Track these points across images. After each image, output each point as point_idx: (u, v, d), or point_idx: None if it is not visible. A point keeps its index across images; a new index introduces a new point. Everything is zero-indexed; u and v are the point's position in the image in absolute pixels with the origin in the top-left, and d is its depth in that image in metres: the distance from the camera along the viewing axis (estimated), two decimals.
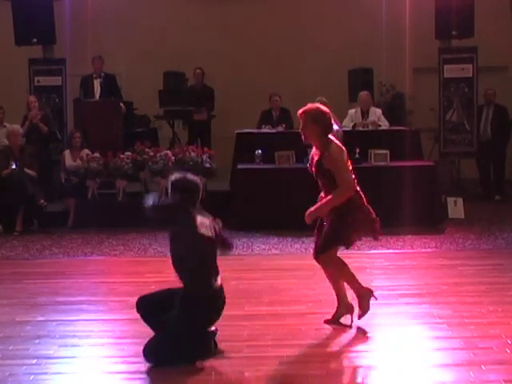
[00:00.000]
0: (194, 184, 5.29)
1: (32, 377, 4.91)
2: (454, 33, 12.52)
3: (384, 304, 6.40)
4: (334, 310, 5.95)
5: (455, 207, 10.93)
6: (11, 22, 12.55)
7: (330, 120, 5.80)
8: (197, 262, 5.13)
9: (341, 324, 5.86)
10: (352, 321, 5.82)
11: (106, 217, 10.65)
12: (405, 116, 13.91)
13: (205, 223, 5.22)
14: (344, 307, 5.91)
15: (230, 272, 7.61)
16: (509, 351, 5.23)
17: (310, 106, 5.83)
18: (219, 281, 5.24)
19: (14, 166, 10.64)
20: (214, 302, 5.17)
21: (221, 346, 5.36)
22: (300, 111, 5.80)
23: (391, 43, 13.37)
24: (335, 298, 5.99)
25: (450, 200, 10.98)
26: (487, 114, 12.93)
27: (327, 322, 5.89)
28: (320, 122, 5.73)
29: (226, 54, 14.32)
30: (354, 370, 4.98)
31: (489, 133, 12.87)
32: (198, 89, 13.72)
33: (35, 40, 12.57)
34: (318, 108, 5.82)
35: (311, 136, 5.77)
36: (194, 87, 13.82)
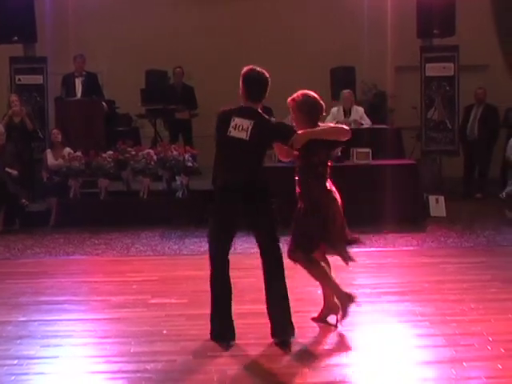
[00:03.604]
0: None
1: (13, 377, 4.88)
2: (435, 31, 12.56)
3: (366, 302, 6.42)
4: (317, 309, 5.96)
5: (437, 205, 10.98)
6: None
7: (317, 108, 5.68)
8: None
9: (327, 323, 5.87)
10: (337, 320, 5.82)
11: (89, 216, 10.63)
12: (386, 114, 13.95)
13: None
14: (328, 307, 5.91)
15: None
16: (490, 348, 5.27)
17: (298, 93, 5.74)
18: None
19: None
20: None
21: (203, 345, 5.37)
22: (289, 98, 5.75)
23: (373, 42, 13.40)
24: (321, 296, 5.99)
25: (432, 198, 11.03)
26: (476, 114, 13.01)
27: (314, 319, 5.90)
28: (305, 110, 5.64)
29: (208, 53, 14.29)
30: (337, 367, 4.98)
31: (475, 132, 12.95)
32: (177, 87, 13.70)
33: (16, 38, 12.48)
34: (306, 95, 5.72)
35: (298, 124, 5.70)
36: (174, 86, 13.80)
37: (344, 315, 5.73)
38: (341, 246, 5.79)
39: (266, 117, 5.48)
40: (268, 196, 5.37)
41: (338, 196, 5.80)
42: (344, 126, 5.81)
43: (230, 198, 5.36)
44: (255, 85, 5.45)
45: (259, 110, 5.47)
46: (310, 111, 5.65)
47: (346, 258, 5.82)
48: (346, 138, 5.63)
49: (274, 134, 5.44)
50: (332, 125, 5.71)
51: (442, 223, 10.35)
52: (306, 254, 5.70)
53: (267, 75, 5.49)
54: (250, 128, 5.30)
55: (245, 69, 5.52)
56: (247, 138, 5.29)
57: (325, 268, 5.81)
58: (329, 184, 5.78)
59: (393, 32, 13.08)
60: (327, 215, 5.64)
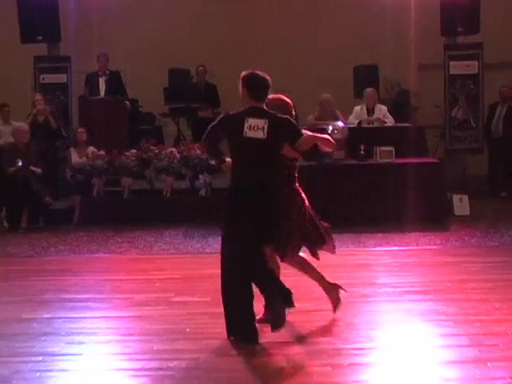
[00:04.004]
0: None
1: (38, 374, 4.92)
2: (459, 29, 12.48)
3: (389, 301, 6.40)
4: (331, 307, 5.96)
5: (461, 204, 10.92)
6: (16, 19, 12.57)
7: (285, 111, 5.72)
8: None
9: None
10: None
11: (112, 214, 10.68)
12: (410, 113, 13.88)
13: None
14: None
15: None
16: None
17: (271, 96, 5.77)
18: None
19: (19, 164, 10.66)
20: None
21: (226, 343, 5.39)
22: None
23: (396, 40, 13.34)
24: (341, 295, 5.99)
25: (456, 197, 10.97)
26: (500, 112, 12.93)
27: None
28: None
29: (231, 51, 14.30)
30: (359, 366, 4.97)
31: (500, 130, 12.87)
32: (201, 86, 13.72)
33: (40, 37, 12.58)
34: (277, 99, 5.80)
35: None
36: (197, 84, 13.82)
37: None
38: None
39: (278, 114, 5.50)
40: (278, 196, 5.43)
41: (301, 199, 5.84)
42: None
43: (247, 198, 5.36)
44: (260, 86, 5.48)
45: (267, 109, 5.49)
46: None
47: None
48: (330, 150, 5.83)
49: (286, 134, 5.44)
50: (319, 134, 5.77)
51: (465, 222, 10.28)
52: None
53: (268, 77, 5.55)
54: (266, 127, 5.32)
55: (245, 72, 5.58)
56: (265, 137, 5.31)
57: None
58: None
59: (416, 30, 13.03)
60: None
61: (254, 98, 5.45)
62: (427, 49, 13.19)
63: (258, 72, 5.56)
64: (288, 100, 5.88)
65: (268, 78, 5.55)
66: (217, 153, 5.66)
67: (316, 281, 6.00)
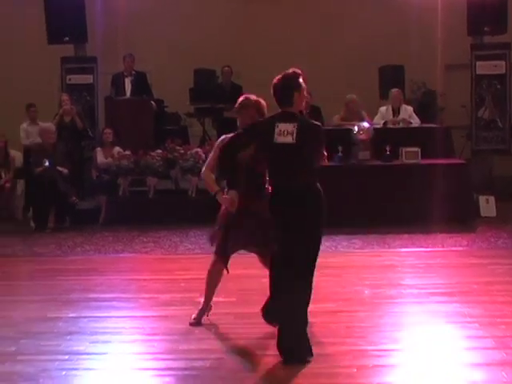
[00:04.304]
0: None
1: (64, 372, 4.96)
2: (486, 29, 12.39)
3: (414, 302, 6.37)
4: (363, 308, 5.94)
5: (487, 205, 10.85)
6: (44, 20, 12.68)
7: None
8: None
9: None
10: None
11: (137, 214, 10.73)
12: (436, 113, 13.80)
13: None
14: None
15: (260, 270, 7.61)
16: None
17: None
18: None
19: (46, 164, 10.74)
20: None
21: (251, 343, 5.39)
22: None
23: (423, 40, 13.27)
24: (368, 295, 5.97)
25: (482, 198, 10.89)
26: None
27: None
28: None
29: (256, 52, 14.31)
30: (384, 367, 4.95)
31: None
32: (226, 87, 13.74)
33: (67, 38, 12.68)
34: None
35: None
36: (223, 85, 13.83)
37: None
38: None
39: (308, 120, 5.45)
40: (317, 200, 5.26)
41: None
42: None
43: (281, 201, 5.33)
44: (281, 91, 5.35)
45: (298, 113, 5.39)
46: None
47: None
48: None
49: (312, 138, 5.33)
50: None
51: (492, 223, 10.20)
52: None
53: (288, 79, 5.35)
54: (295, 131, 5.27)
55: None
56: (294, 141, 5.26)
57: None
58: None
59: (443, 30, 12.94)
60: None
61: (278, 103, 5.41)
62: (454, 49, 13.10)
63: (281, 75, 5.44)
64: (261, 101, 5.81)
65: (287, 80, 5.38)
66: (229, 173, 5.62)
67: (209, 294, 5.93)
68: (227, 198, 5.62)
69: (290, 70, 5.38)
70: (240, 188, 5.60)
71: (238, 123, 5.88)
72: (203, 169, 6.04)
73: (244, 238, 5.75)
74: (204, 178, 6.00)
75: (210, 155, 6.06)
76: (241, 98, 5.94)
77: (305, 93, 5.40)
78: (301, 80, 5.35)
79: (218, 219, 5.87)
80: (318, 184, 5.27)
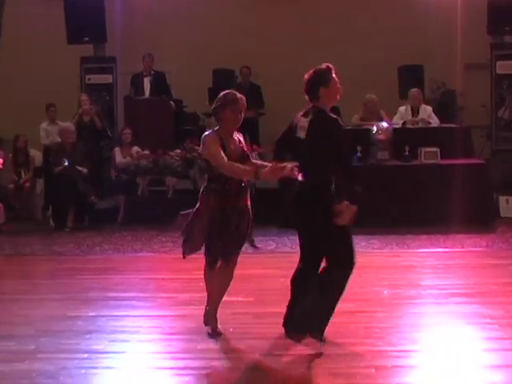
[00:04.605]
0: None
1: (83, 371, 4.99)
2: (506, 28, 12.32)
3: (433, 303, 6.35)
4: (382, 309, 5.92)
5: (507, 206, 10.78)
6: (63, 21, 12.74)
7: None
8: None
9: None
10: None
11: (156, 214, 10.74)
12: (455, 113, 13.73)
13: None
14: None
15: (279, 269, 7.63)
16: None
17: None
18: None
19: (66, 163, 10.79)
20: None
21: (269, 343, 5.39)
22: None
23: (442, 39, 13.20)
24: (387, 296, 5.95)
25: (502, 198, 10.83)
26: None
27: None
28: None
29: (275, 52, 14.29)
30: (403, 368, 4.94)
31: None
32: (245, 87, 13.73)
33: (87, 38, 12.74)
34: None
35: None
36: (241, 85, 13.83)
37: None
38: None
39: (325, 115, 5.29)
40: (325, 198, 5.15)
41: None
42: None
43: (295, 197, 5.33)
44: (308, 85, 5.38)
45: (321, 108, 5.32)
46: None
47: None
48: None
49: (320, 132, 5.25)
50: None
51: None
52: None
53: (316, 75, 5.37)
54: (307, 126, 5.25)
55: None
56: (304, 137, 5.24)
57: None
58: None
59: (462, 29, 12.88)
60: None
61: (307, 97, 5.38)
62: (473, 48, 13.02)
63: (312, 70, 5.42)
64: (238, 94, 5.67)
65: (309, 75, 5.39)
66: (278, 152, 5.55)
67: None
68: (283, 166, 5.21)
69: (323, 65, 5.38)
70: (224, 186, 5.52)
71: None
72: (221, 163, 5.47)
73: (238, 239, 5.70)
74: (230, 168, 5.43)
75: (211, 152, 5.60)
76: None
77: (337, 86, 5.35)
78: (332, 75, 5.32)
79: (202, 210, 5.60)
80: (333, 186, 5.15)
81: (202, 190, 5.66)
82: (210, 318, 5.74)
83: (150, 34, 14.03)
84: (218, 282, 5.73)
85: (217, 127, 5.66)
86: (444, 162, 10.47)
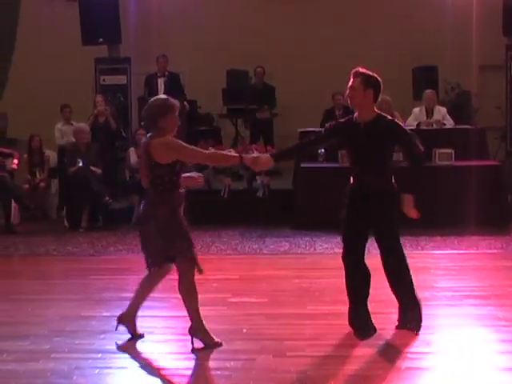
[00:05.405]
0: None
1: (97, 371, 5.00)
2: None
3: (448, 305, 6.33)
4: (396, 310, 5.89)
5: None
6: (78, 22, 12.79)
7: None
8: None
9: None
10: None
11: None
12: (470, 114, 13.69)
13: None
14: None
15: (292, 270, 7.64)
16: None
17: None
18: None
19: (80, 164, 10.83)
20: None
21: (283, 344, 5.39)
22: None
23: (457, 40, 13.18)
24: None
25: None
26: None
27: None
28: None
29: (288, 53, 14.30)
30: (417, 370, 4.92)
31: None
32: (259, 87, 13.76)
33: (101, 39, 12.79)
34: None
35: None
36: (255, 86, 13.86)
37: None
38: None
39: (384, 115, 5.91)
40: (385, 196, 5.93)
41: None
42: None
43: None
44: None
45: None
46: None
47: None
48: None
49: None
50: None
51: None
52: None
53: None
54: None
55: None
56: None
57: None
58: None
59: (477, 30, 12.85)
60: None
61: None
62: (488, 49, 12.99)
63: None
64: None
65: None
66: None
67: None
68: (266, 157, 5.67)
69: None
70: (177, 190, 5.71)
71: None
72: (204, 155, 5.86)
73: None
74: (211, 156, 5.91)
75: (188, 150, 5.75)
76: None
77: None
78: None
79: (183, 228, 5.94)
80: (350, 189, 5.77)
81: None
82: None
83: (164, 35, 14.08)
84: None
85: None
86: (458, 163, 10.43)
